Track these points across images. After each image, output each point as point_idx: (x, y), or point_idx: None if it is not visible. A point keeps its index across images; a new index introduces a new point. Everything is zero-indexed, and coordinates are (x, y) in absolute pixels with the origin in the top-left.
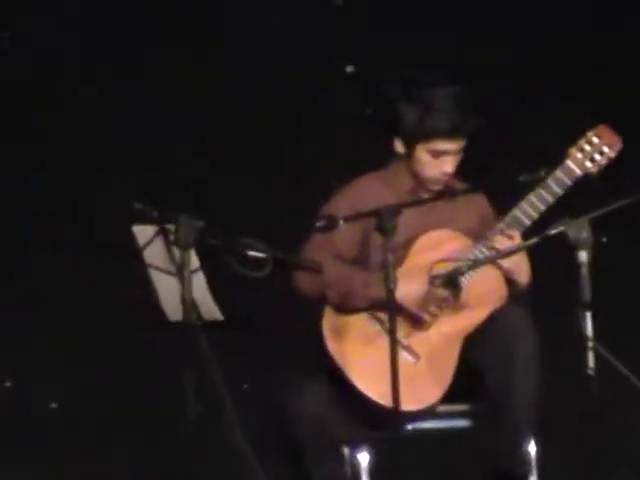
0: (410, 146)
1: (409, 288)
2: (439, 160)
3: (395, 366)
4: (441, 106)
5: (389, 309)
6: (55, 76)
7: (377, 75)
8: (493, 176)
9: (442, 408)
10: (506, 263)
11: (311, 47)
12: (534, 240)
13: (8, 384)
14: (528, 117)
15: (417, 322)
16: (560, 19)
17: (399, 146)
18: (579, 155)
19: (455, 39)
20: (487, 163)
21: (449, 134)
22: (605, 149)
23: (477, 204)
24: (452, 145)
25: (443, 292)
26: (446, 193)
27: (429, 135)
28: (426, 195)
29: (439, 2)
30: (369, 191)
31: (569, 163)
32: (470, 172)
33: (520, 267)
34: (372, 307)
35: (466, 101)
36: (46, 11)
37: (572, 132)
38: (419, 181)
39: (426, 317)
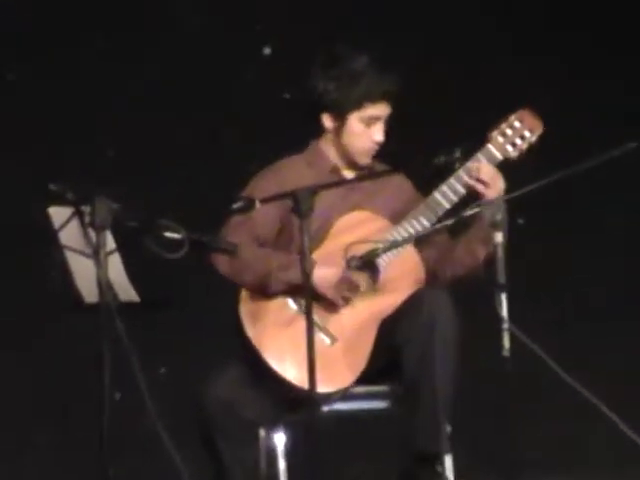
0: (341, 117)
1: (325, 272)
2: (370, 129)
3: (311, 349)
4: (369, 71)
5: (305, 293)
6: None
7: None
8: (411, 158)
9: (360, 389)
10: (489, 192)
11: (228, 30)
12: (450, 221)
13: None
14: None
15: (332, 306)
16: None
17: (328, 121)
18: (500, 139)
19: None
20: (405, 145)
21: (381, 97)
22: (526, 133)
23: (398, 186)
24: (383, 110)
25: (360, 274)
26: (366, 174)
27: (361, 100)
28: (348, 176)
29: None
30: (290, 172)
31: (490, 147)
32: (389, 154)
33: (496, 183)
34: (289, 290)
35: (389, 64)
36: None
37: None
38: (346, 156)
39: (340, 302)
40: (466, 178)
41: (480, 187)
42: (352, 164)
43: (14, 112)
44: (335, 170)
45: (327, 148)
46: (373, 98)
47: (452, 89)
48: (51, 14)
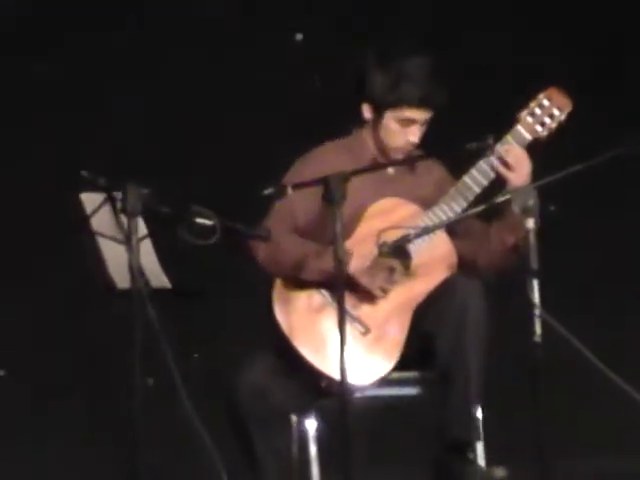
0: (379, 112)
1: (361, 262)
2: (406, 129)
3: (343, 339)
4: (414, 75)
5: (338, 282)
6: None
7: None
8: (444, 144)
9: (392, 375)
10: (511, 175)
11: (260, 15)
12: (481, 207)
13: None
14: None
15: (364, 294)
16: None
17: (367, 112)
18: (529, 119)
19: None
20: (439, 130)
21: (419, 103)
22: (555, 112)
23: (434, 172)
24: (420, 115)
25: (392, 261)
26: (400, 160)
27: (399, 102)
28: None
29: None
30: (329, 159)
31: (519, 128)
32: (425, 140)
33: (522, 166)
34: (324, 279)
35: (438, 73)
36: None
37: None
38: (383, 149)
39: (378, 293)
40: (494, 161)
41: (502, 170)
42: (388, 156)
43: (44, 99)
44: (374, 160)
45: (368, 139)
46: (410, 102)
47: (487, 74)
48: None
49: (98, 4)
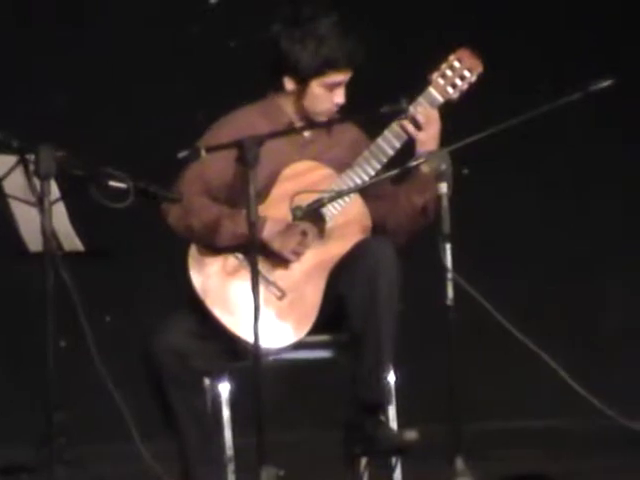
0: (303, 82)
1: (274, 226)
2: (332, 92)
3: (257, 303)
4: (332, 37)
5: (252, 246)
6: None
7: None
8: (358, 107)
9: (306, 338)
10: (421, 135)
11: None
12: (395, 171)
13: None
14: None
15: (279, 258)
16: None
17: (289, 83)
18: (441, 81)
19: None
20: (353, 94)
21: (344, 65)
22: (466, 73)
23: (349, 133)
24: (345, 76)
25: (306, 224)
26: (315, 123)
27: (324, 69)
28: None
29: None
30: (245, 123)
31: (431, 90)
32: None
33: (431, 127)
34: (237, 243)
35: (352, 29)
36: None
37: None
38: (308, 115)
39: (291, 257)
40: (405, 122)
41: (412, 130)
42: (309, 121)
43: None
44: (290, 125)
45: (286, 105)
46: (336, 65)
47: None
48: None
49: None
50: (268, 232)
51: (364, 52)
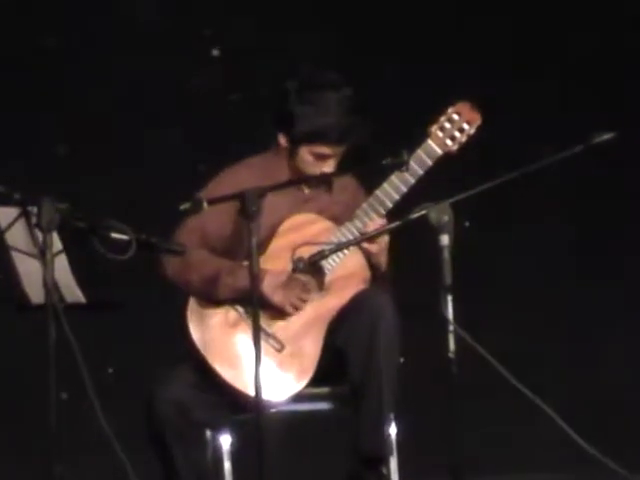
0: (293, 145)
1: (276, 281)
2: (321, 162)
3: (258, 356)
4: (331, 112)
5: (253, 299)
6: None
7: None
8: (360, 160)
9: (305, 391)
10: (374, 247)
11: (176, 30)
12: (396, 223)
13: None
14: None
15: (278, 311)
16: None
17: (283, 140)
18: (440, 134)
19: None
20: (356, 147)
21: (334, 141)
22: (465, 126)
23: (349, 189)
24: (336, 150)
25: (306, 277)
26: (315, 177)
27: (314, 140)
28: (303, 187)
29: None
30: (245, 177)
31: (430, 143)
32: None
33: (385, 250)
34: (236, 296)
35: (354, 107)
36: None
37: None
38: (297, 173)
39: (290, 310)
40: (407, 175)
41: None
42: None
43: None
44: (290, 179)
45: (283, 160)
46: (324, 139)
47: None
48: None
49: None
50: (268, 285)
51: (362, 131)
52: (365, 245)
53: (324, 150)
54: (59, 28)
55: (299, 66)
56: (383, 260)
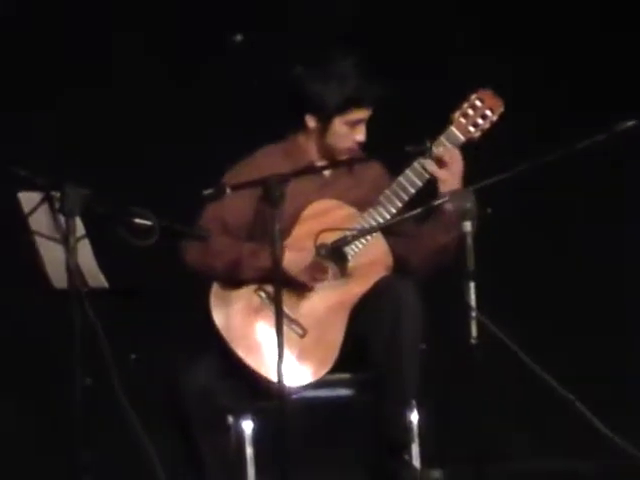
0: (326, 120)
1: (296, 256)
2: (354, 130)
3: (281, 341)
4: (351, 77)
5: (276, 279)
6: None
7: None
8: (384, 146)
9: (327, 377)
10: (442, 173)
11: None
12: (419, 210)
13: None
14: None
15: (303, 289)
16: None
17: (311, 121)
18: (463, 120)
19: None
20: (379, 133)
21: (367, 103)
22: (488, 113)
23: (376, 179)
24: (366, 113)
25: (329, 263)
26: (338, 162)
27: (349, 107)
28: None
29: None
30: (268, 163)
31: (453, 129)
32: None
33: (458, 176)
34: (260, 278)
35: (371, 67)
36: None
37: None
38: (327, 153)
39: (311, 283)
40: (428, 160)
41: (434, 168)
42: (330, 160)
43: None
44: (312, 164)
45: (307, 144)
46: (359, 103)
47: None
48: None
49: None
50: (287, 260)
51: (384, 89)
52: (432, 169)
53: (359, 115)
54: None
55: (294, 51)
56: (457, 183)
